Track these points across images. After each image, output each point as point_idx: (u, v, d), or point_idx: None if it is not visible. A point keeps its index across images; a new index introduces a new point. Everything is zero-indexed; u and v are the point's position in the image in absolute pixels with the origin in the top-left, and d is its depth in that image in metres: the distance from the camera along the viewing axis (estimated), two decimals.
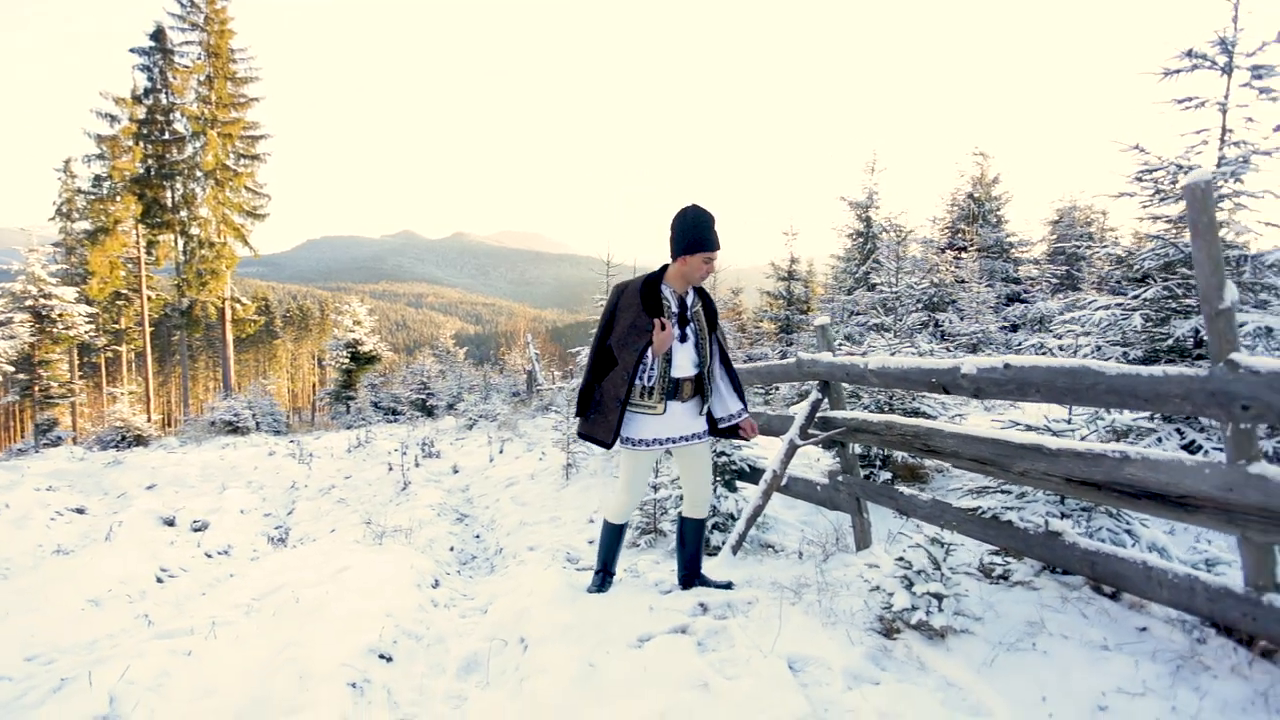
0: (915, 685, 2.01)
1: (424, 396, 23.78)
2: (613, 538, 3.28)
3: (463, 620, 3.32)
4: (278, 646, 2.77)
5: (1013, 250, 19.31)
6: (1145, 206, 5.65)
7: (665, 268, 2.97)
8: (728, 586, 3.13)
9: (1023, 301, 17.41)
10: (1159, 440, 4.77)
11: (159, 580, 4.68)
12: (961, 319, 14.99)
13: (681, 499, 5.07)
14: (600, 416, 2.94)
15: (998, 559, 2.90)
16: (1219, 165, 5.13)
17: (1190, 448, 4.73)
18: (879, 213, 18.72)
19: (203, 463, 11.16)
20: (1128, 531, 2.70)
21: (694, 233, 2.82)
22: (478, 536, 6.79)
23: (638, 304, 2.88)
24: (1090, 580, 2.54)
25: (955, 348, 14.45)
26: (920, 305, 15.37)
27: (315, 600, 3.32)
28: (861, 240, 18.78)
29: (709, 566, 3.61)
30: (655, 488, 5.37)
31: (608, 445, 2.88)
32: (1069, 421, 2.89)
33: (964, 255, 18.66)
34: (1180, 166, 5.29)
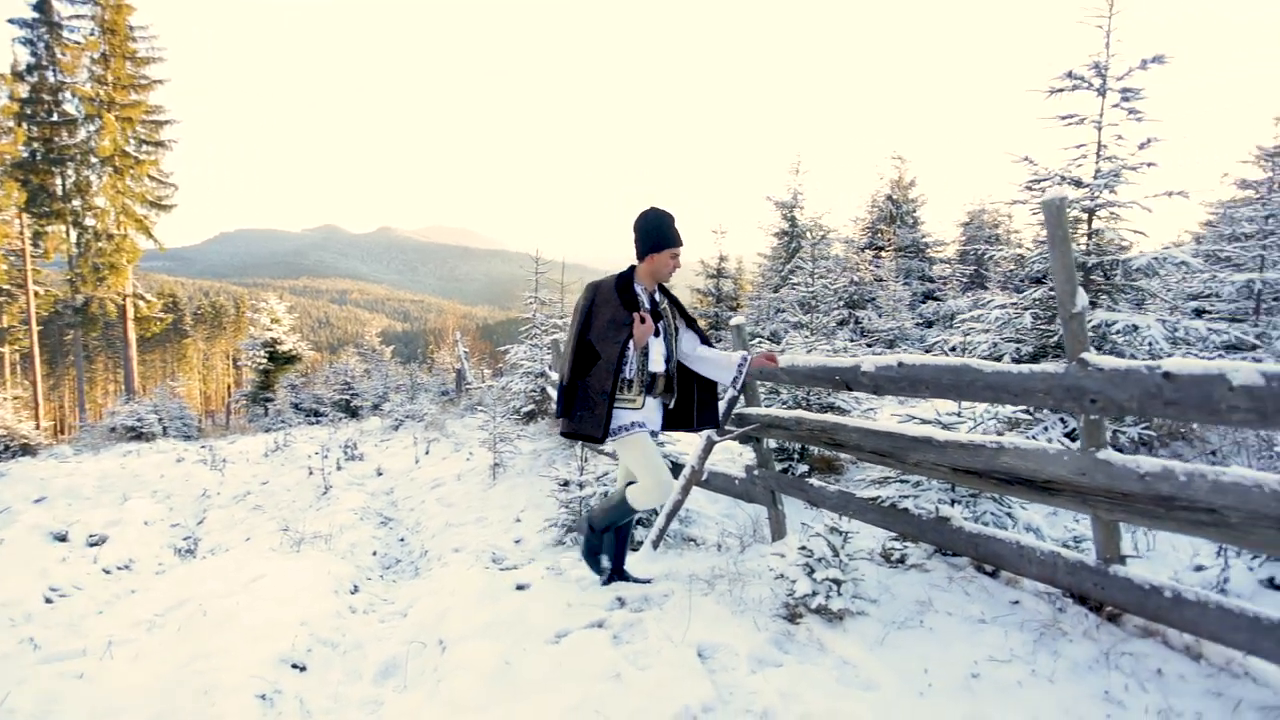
0: (814, 665, 2.15)
1: (348, 397, 22.93)
2: (626, 516, 3.23)
3: (382, 625, 3.28)
4: (182, 661, 2.67)
5: (928, 250, 20.37)
6: (1035, 214, 6.11)
7: (634, 268, 3.08)
8: (647, 582, 3.21)
9: (936, 299, 18.40)
10: (1045, 429, 5.19)
11: (48, 600, 4.38)
12: (880, 316, 15.70)
13: (606, 495, 5.14)
14: (588, 413, 2.95)
15: (897, 544, 3.11)
16: (1095, 178, 5.61)
17: (1073, 435, 5.16)
18: (803, 213, 19.35)
19: (101, 472, 10.43)
20: (1008, 515, 2.95)
21: (659, 232, 2.98)
22: (402, 540, 6.65)
23: (615, 300, 2.97)
24: (974, 560, 2.76)
25: (874, 344, 15.14)
26: (841, 303, 15.98)
27: (224, 612, 3.20)
28: (787, 239, 19.36)
29: (631, 561, 3.69)
30: (580, 484, 5.42)
31: (599, 440, 2.90)
32: (958, 414, 3.12)
33: (882, 255, 19.55)
34: (1064, 177, 5.75)
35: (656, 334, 3.03)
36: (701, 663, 2.20)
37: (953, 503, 3.02)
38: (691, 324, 3.22)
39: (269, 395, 24.82)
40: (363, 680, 2.66)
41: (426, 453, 10.30)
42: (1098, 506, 2.13)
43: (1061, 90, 5.81)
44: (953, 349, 6.28)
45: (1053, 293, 5.94)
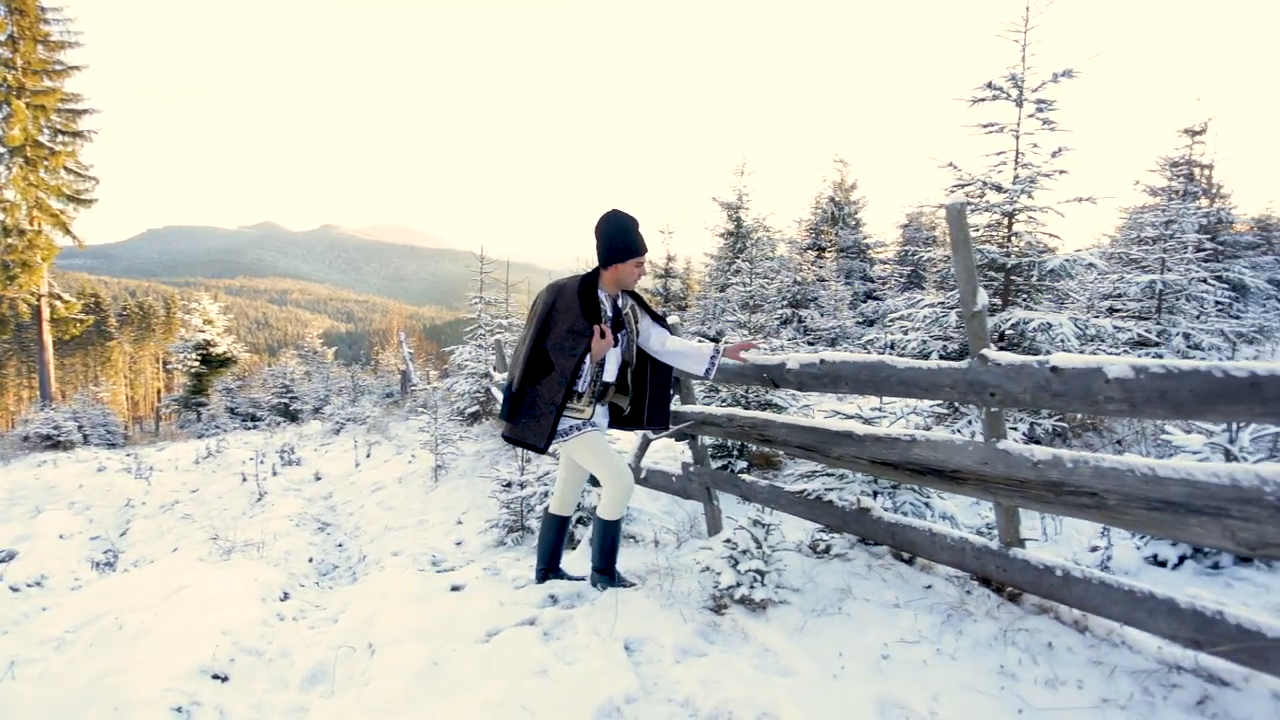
0: (737, 655, 2.22)
1: (287, 400, 22.16)
2: (612, 533, 3.10)
3: (312, 631, 3.21)
4: (93, 678, 2.55)
5: (869, 251, 21.03)
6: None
7: (598, 270, 2.96)
8: (580, 579, 3.24)
9: (876, 299, 19.01)
10: (970, 422, 5.45)
11: None
12: (822, 315, 16.11)
13: (546, 495, 5.15)
14: (533, 421, 2.86)
15: (824, 536, 3.22)
16: (1014, 183, 5.91)
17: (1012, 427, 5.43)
18: (748, 214, 19.69)
19: (11, 483, 9.82)
20: (926, 504, 3.10)
21: (621, 239, 2.85)
22: (340, 545, 6.50)
23: (576, 308, 2.84)
24: (893, 548, 2.89)
25: (816, 342, 15.54)
26: (785, 302, 16.32)
27: (141, 625, 3.08)
28: (733, 240, 19.67)
29: (568, 560, 3.71)
30: (522, 485, 5.41)
31: (541, 450, 2.82)
32: (879, 410, 3.26)
33: (824, 255, 20.07)
34: (985, 183, 6.04)
35: (616, 344, 2.94)
36: (628, 655, 2.25)
37: (875, 494, 3.15)
38: (657, 319, 3.14)
39: (202, 400, 23.76)
40: (289, 688, 2.61)
41: (368, 456, 10.06)
42: (998, 493, 2.27)
43: (983, 100, 6.10)
44: (889, 346, 6.52)
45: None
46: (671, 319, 4.25)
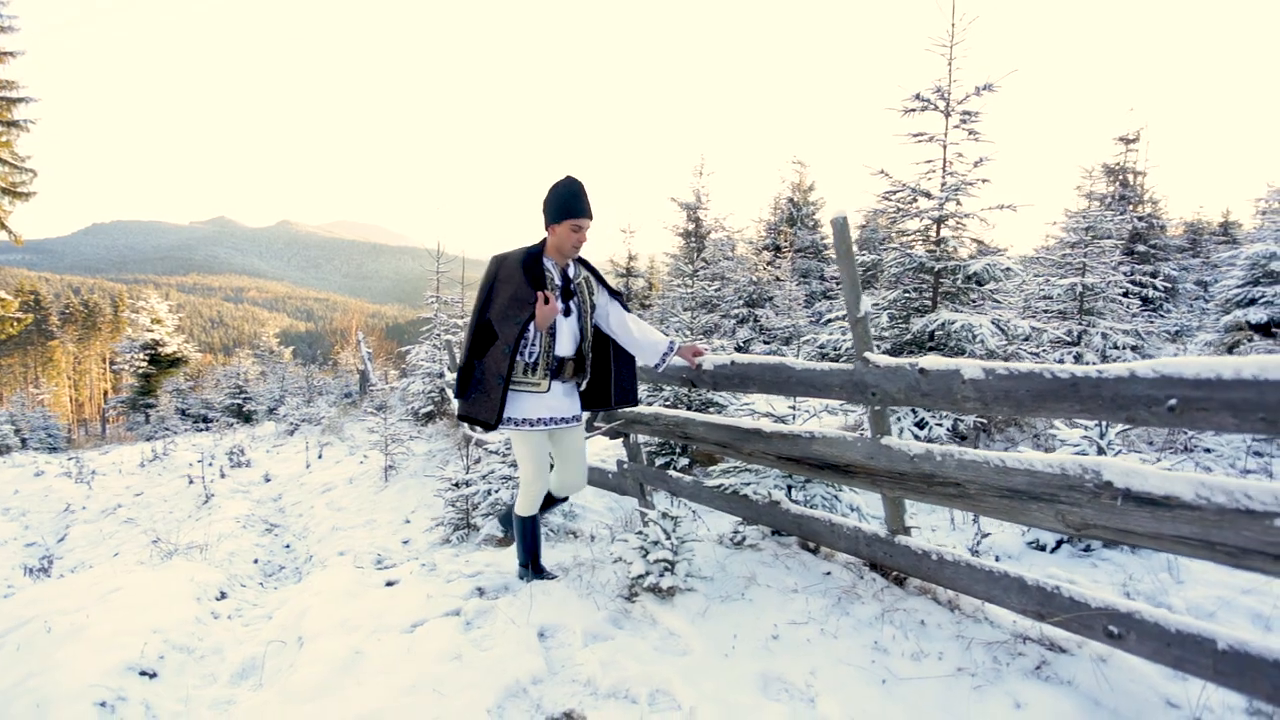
0: (641, 639, 2.38)
1: (240, 401, 21.70)
2: (528, 529, 3.10)
3: (246, 629, 3.27)
4: (17, 679, 2.59)
5: (826, 251, 21.50)
6: (893, 223, 6.69)
7: (544, 242, 2.87)
8: (554, 577, 3.17)
9: (830, 298, 19.47)
10: (899, 419, 5.72)
11: None
12: (776, 314, 16.46)
13: (489, 493, 5.25)
14: (482, 395, 2.78)
15: (742, 528, 3.41)
16: (942, 190, 6.21)
17: (921, 425, 5.72)
18: (707, 214, 19.95)
19: None
20: (835, 497, 3.31)
21: (560, 201, 2.76)
22: (288, 546, 6.49)
23: (520, 276, 2.75)
24: (799, 538, 3.10)
25: (771, 340, 15.86)
26: (741, 301, 16.62)
27: (71, 626, 3.10)
28: (691, 240, 19.92)
29: (503, 556, 3.83)
30: (468, 483, 5.50)
31: (491, 426, 2.74)
32: (793, 409, 3.46)
33: (782, 255, 20.45)
34: (915, 189, 6.33)
35: (567, 313, 2.85)
36: (540, 641, 2.39)
37: (790, 489, 3.35)
38: (615, 295, 3.05)
39: (151, 401, 23.11)
40: (218, 682, 2.68)
41: (319, 457, 9.99)
42: (883, 485, 2.48)
43: (914, 110, 6.38)
44: (820, 346, 6.77)
45: (907, 294, 6.54)
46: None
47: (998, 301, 6.38)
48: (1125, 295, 12.29)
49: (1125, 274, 15.78)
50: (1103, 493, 1.82)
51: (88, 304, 51.18)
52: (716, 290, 16.05)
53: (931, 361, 2.19)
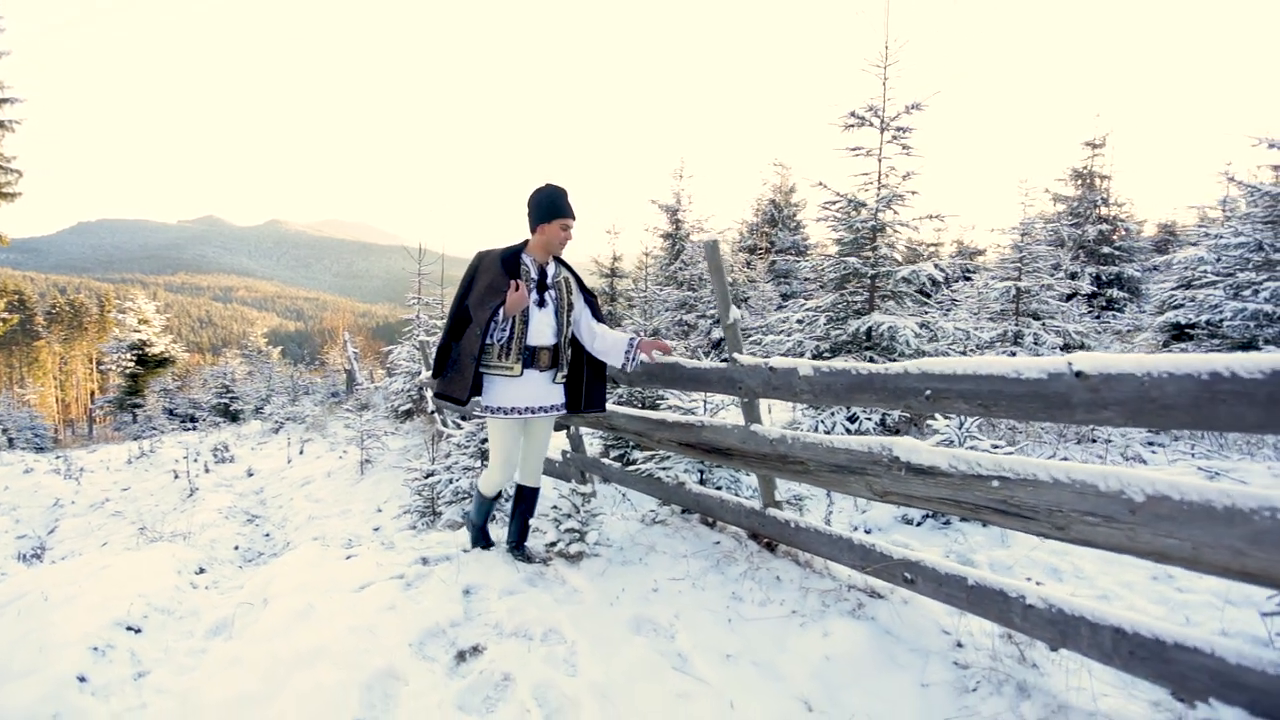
0: (547, 593, 2.85)
1: (227, 401, 22.02)
2: (484, 506, 3.38)
3: (221, 596, 3.71)
4: (20, 635, 3.03)
5: (808, 252, 22.01)
6: (833, 229, 7.18)
7: (526, 241, 3.11)
8: (545, 562, 3.23)
9: (803, 298, 20.01)
10: (831, 414, 6.20)
11: None
12: (751, 314, 16.98)
13: (450, 481, 5.70)
14: (456, 374, 3.00)
15: (659, 508, 3.88)
16: (877, 201, 6.70)
17: (853, 419, 6.22)
18: (689, 215, 20.43)
19: None
20: (736, 479, 3.79)
21: (549, 202, 3.01)
22: (267, 535, 6.92)
23: (498, 268, 2.99)
24: (700, 514, 3.57)
25: (746, 339, 16.38)
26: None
27: (65, 596, 3.53)
28: (671, 241, 20.39)
29: (457, 536, 4.28)
30: (433, 473, 5.95)
31: (463, 402, 2.94)
32: (705, 403, 3.93)
33: (758, 255, 20.95)
34: (851, 200, 6.82)
35: (543, 304, 3.03)
36: (464, 596, 2.86)
37: (701, 473, 3.83)
38: (589, 302, 3.23)
39: (138, 401, 23.36)
40: (194, 637, 3.12)
41: (300, 453, 10.41)
42: (753, 465, 2.96)
43: (852, 126, 6.88)
44: (769, 348, 7.25)
45: (850, 297, 7.03)
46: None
47: (927, 304, 6.87)
48: (1072, 297, 12.85)
49: (1091, 275, 16.39)
50: (894, 465, 2.30)
51: (74, 304, 51.12)
52: (694, 292, 16.54)
53: (778, 361, 2.67)
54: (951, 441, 3.56)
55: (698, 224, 19.31)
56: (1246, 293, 6.97)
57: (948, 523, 3.49)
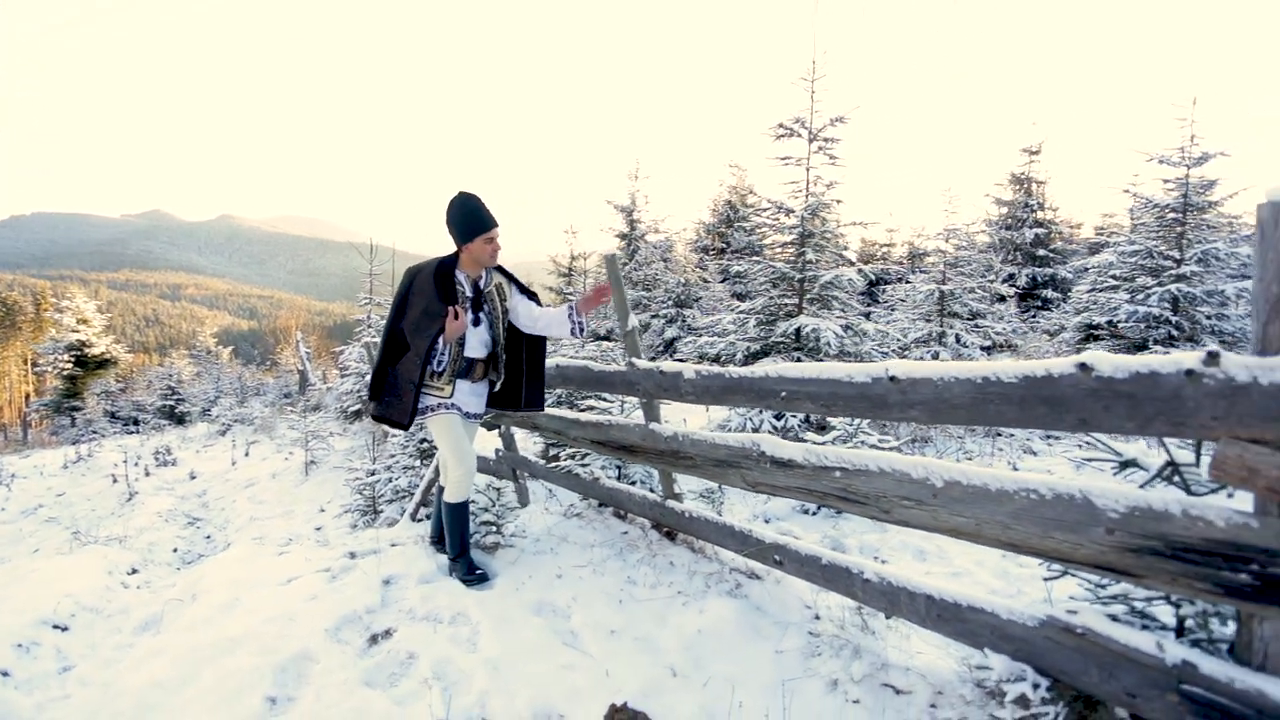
0: (459, 581, 3.07)
1: (173, 403, 21.48)
2: (457, 520, 3.14)
3: (152, 595, 3.82)
4: None
5: (763, 251, 22.48)
6: (766, 238, 7.52)
7: (458, 253, 3.02)
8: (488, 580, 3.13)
9: (750, 298, 20.48)
10: (759, 413, 6.53)
11: None
12: (703, 314, 17.34)
13: (390, 480, 5.85)
14: (395, 400, 2.96)
15: (580, 501, 4.12)
16: (804, 208, 7.06)
17: (779, 417, 6.55)
18: (645, 216, 20.70)
19: None
20: (650, 474, 4.05)
21: (469, 219, 2.91)
22: (208, 538, 6.95)
23: (431, 290, 2.90)
24: (613, 507, 3.83)
25: (699, 338, 16.72)
26: (671, 301, 17.47)
27: None
28: (627, 242, 20.65)
29: (395, 533, 4.44)
30: (373, 472, 6.09)
31: (404, 427, 2.93)
32: (621, 407, 4.19)
33: (710, 255, 21.35)
34: (780, 206, 7.17)
35: (477, 323, 3.04)
36: (383, 586, 3.06)
37: (619, 468, 4.08)
38: (526, 293, 3.25)
39: (77, 404, 22.61)
40: (122, 633, 3.25)
41: (246, 455, 10.35)
42: (653, 460, 3.22)
43: (782, 136, 7.22)
44: (699, 349, 7.56)
45: (780, 300, 7.38)
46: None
47: (850, 306, 7.25)
48: (1003, 299, 13.53)
49: (1027, 277, 17.20)
50: (762, 460, 2.58)
51: (6, 302, 48.87)
52: (648, 292, 16.84)
53: (668, 366, 2.94)
54: (844, 437, 3.89)
55: (653, 224, 19.63)
56: (1140, 297, 7.55)
57: (839, 512, 3.81)
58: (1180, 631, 1.77)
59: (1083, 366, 1.64)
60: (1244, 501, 1.50)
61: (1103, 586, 1.96)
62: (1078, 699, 1.84)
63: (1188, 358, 1.48)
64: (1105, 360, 1.61)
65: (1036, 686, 1.85)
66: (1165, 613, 1.81)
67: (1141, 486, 1.82)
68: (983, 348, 9.05)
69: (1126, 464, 1.91)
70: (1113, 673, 1.70)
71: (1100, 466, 2.04)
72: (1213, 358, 1.43)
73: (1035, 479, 1.82)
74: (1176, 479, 1.79)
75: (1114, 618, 1.82)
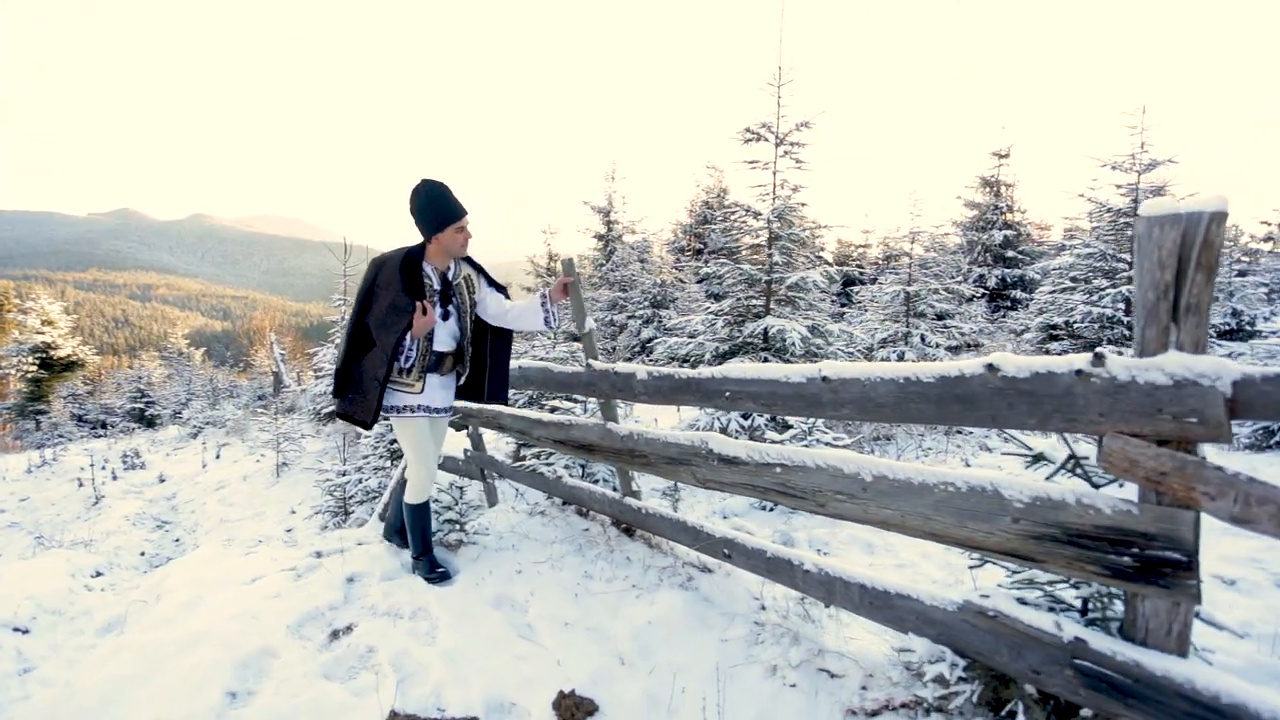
0: (419, 578, 3.14)
1: (143, 405, 21.15)
2: (418, 519, 3.13)
3: (116, 596, 3.84)
4: None
5: (739, 253, 22.68)
6: (737, 239, 7.65)
7: (425, 244, 2.92)
8: (447, 577, 3.15)
9: (723, 298, 20.70)
10: (726, 412, 6.65)
11: None
12: (679, 314, 17.48)
13: (360, 480, 5.87)
14: (359, 397, 2.87)
15: (546, 501, 4.21)
16: (771, 210, 7.20)
17: (746, 416, 6.68)
18: (622, 217, 20.81)
19: None
20: (611, 472, 4.15)
21: (439, 208, 2.80)
22: (177, 541, 6.91)
23: (398, 283, 2.79)
24: (576, 505, 3.92)
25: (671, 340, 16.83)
26: (648, 302, 17.58)
27: None
28: (604, 242, 20.74)
29: (363, 533, 4.50)
30: (343, 473, 6.11)
31: (368, 426, 2.85)
32: (585, 407, 4.28)
33: (685, 256, 21.51)
34: (747, 209, 7.30)
35: (446, 317, 2.97)
36: (347, 584, 3.12)
37: (583, 467, 4.17)
38: (495, 286, 3.20)
39: (42, 408, 22.14)
40: (85, 634, 3.27)
41: (217, 457, 10.27)
42: (611, 459, 3.31)
43: (750, 140, 7.36)
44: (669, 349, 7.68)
45: (748, 301, 7.51)
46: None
47: (811, 307, 7.41)
48: (972, 299, 13.83)
49: (996, 277, 17.56)
50: (710, 457, 2.69)
51: None
52: (624, 292, 16.94)
53: (622, 367, 3.04)
54: (799, 435, 4.02)
55: (630, 225, 19.75)
56: (1095, 298, 7.80)
57: (792, 509, 3.94)
58: (1084, 611, 1.91)
59: (990, 367, 1.77)
60: (1133, 491, 1.64)
61: (1017, 572, 2.10)
62: (992, 677, 1.98)
63: (1079, 359, 1.61)
64: (1009, 361, 1.74)
65: (954, 666, 1.99)
66: (1072, 595, 1.95)
67: (1048, 479, 1.97)
68: (949, 348, 9.28)
69: (1037, 458, 2.05)
70: (1020, 652, 1.83)
71: (1020, 461, 2.18)
72: (1099, 359, 1.57)
73: (953, 473, 1.95)
74: (1079, 471, 1.93)
75: (1023, 601, 1.96)
